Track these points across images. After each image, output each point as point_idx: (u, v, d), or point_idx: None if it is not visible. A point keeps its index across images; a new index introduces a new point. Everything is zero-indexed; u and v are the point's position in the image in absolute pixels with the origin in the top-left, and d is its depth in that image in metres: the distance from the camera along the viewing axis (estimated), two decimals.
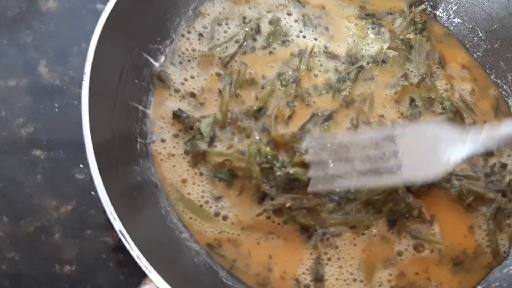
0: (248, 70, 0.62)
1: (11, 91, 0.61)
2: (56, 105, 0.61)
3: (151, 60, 0.59)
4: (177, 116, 0.58)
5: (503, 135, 0.50)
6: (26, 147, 0.58)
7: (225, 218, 0.54)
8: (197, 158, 0.56)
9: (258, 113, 0.59)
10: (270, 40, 0.65)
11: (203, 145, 0.56)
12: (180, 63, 0.61)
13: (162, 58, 0.61)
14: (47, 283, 0.52)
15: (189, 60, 0.62)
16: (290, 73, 0.62)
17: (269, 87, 0.61)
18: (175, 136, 0.57)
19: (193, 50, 0.62)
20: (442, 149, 0.51)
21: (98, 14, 0.66)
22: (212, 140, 0.57)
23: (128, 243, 0.43)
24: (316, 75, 0.63)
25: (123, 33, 0.55)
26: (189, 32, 0.63)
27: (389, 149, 0.53)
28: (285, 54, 0.64)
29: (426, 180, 0.55)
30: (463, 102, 0.66)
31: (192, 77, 0.61)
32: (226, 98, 0.59)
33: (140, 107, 0.57)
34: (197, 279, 0.50)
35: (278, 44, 0.65)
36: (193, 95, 0.60)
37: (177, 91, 0.60)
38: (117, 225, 0.44)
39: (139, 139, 0.55)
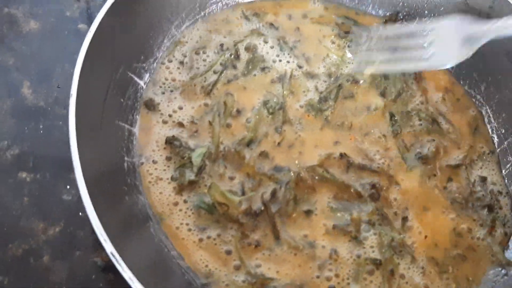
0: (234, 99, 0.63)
1: None
2: (41, 126, 0.61)
3: (136, 78, 0.60)
4: (170, 142, 0.58)
5: None
6: (11, 170, 0.58)
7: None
8: (183, 186, 0.56)
9: (251, 144, 0.60)
10: (250, 67, 0.66)
11: (190, 174, 0.57)
12: (163, 93, 0.62)
13: (147, 76, 0.62)
14: None
15: (171, 91, 0.62)
16: (275, 100, 0.63)
17: (257, 116, 0.62)
18: (168, 159, 0.58)
19: (173, 79, 0.63)
20: (464, 37, 0.58)
21: (80, 34, 0.68)
22: (200, 171, 0.57)
23: (120, 265, 0.43)
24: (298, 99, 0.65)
25: (108, 53, 0.56)
26: (169, 61, 0.64)
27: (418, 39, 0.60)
28: (265, 80, 0.65)
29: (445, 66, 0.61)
30: (438, 112, 0.68)
31: (180, 108, 0.61)
32: (217, 130, 0.60)
33: (127, 126, 0.57)
34: None
35: (258, 71, 0.66)
36: (181, 125, 0.60)
37: (165, 122, 0.60)
38: (108, 247, 0.44)
39: (126, 158, 0.56)
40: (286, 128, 0.62)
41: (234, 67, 0.65)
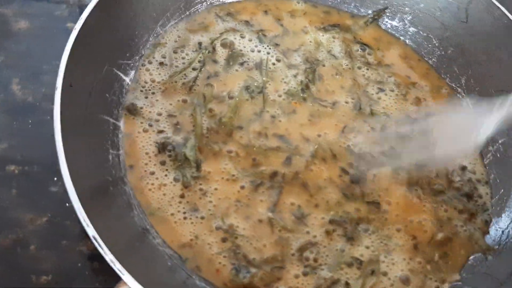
0: (214, 90, 0.65)
1: None
2: (30, 121, 0.62)
3: (121, 75, 0.62)
4: (162, 150, 0.59)
5: None
6: (0, 163, 0.59)
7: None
8: (188, 183, 0.58)
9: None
10: (231, 63, 0.67)
11: (192, 171, 0.58)
12: (146, 97, 0.63)
13: (132, 73, 0.63)
14: None
15: (153, 93, 0.63)
16: (255, 84, 0.65)
17: (237, 98, 0.64)
18: (163, 163, 0.59)
19: (153, 81, 0.64)
20: (471, 128, 0.57)
21: (69, 32, 0.68)
22: (199, 164, 0.59)
23: (102, 248, 0.44)
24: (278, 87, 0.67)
25: (93, 49, 0.57)
26: (150, 63, 0.65)
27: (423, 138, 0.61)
28: (246, 74, 0.67)
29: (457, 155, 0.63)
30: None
31: (159, 114, 0.62)
32: (199, 120, 0.62)
33: (112, 120, 0.59)
34: (171, 281, 0.51)
35: (238, 66, 0.67)
36: (162, 131, 0.61)
37: (145, 131, 0.61)
38: (90, 231, 0.45)
39: (111, 150, 0.57)
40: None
41: (215, 61, 0.67)
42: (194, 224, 0.56)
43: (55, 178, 0.59)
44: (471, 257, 0.60)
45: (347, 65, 0.71)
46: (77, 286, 0.54)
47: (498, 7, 0.67)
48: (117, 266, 0.44)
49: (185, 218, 0.56)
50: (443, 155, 0.60)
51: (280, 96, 0.66)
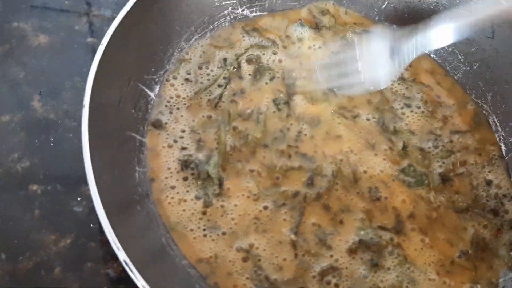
0: (239, 107, 0.63)
1: (5, 126, 0.61)
2: (51, 139, 0.61)
3: (147, 90, 0.60)
4: (185, 167, 0.58)
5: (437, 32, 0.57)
6: (22, 182, 0.58)
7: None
8: (210, 203, 0.57)
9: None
10: (258, 77, 0.66)
11: (214, 189, 0.57)
12: (170, 113, 0.62)
13: (157, 88, 0.62)
14: None
15: (178, 108, 0.62)
16: (282, 95, 0.64)
17: (264, 114, 0.63)
18: (185, 179, 0.58)
19: (178, 96, 0.63)
20: (390, 55, 0.59)
21: (89, 48, 0.69)
22: (221, 182, 0.58)
23: (133, 273, 0.43)
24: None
25: (119, 65, 0.56)
26: (174, 78, 0.64)
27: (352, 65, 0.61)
28: (274, 87, 0.66)
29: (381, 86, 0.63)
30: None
31: (183, 131, 0.61)
32: (223, 138, 0.60)
33: (138, 137, 0.58)
34: None
35: (267, 80, 0.66)
36: (184, 148, 0.60)
37: (170, 146, 0.60)
38: (121, 255, 0.44)
39: (137, 168, 0.56)
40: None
41: (241, 78, 0.66)
42: (215, 241, 0.55)
43: (79, 198, 0.57)
44: (501, 277, 0.58)
45: None
46: None
47: None
48: None
49: (205, 235, 0.55)
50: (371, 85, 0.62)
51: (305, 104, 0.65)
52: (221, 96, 0.64)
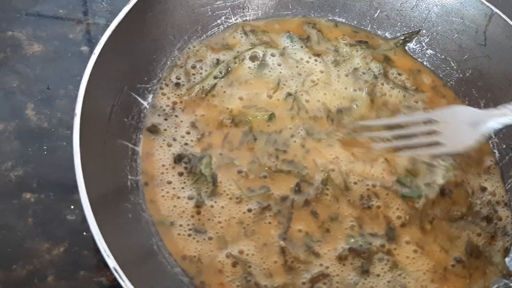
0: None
1: None
2: (45, 147, 0.61)
3: (139, 99, 0.61)
4: (178, 161, 0.59)
5: None
6: (15, 191, 0.58)
7: None
8: (201, 203, 0.57)
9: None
10: (262, 70, 0.68)
11: (207, 187, 0.58)
12: (166, 119, 0.62)
13: (150, 97, 0.62)
14: None
15: (176, 116, 0.63)
16: (294, 87, 0.67)
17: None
18: (180, 174, 0.59)
19: (174, 103, 0.64)
20: (473, 125, 0.60)
21: (83, 56, 0.69)
22: (215, 180, 0.58)
23: (123, 280, 0.43)
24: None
25: (112, 74, 0.57)
26: (166, 85, 0.65)
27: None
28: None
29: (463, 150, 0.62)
30: None
31: (188, 133, 0.62)
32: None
33: (130, 145, 0.58)
34: None
35: (268, 72, 0.68)
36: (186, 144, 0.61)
37: (169, 145, 0.61)
38: (111, 262, 0.44)
39: (129, 176, 0.56)
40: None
41: (241, 71, 0.68)
42: (199, 243, 0.55)
43: (72, 206, 0.58)
44: (494, 284, 0.59)
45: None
46: None
47: None
48: None
49: (189, 235, 0.56)
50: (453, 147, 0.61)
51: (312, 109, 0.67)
52: (215, 85, 0.65)
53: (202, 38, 0.69)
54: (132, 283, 0.43)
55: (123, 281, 0.43)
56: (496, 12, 0.68)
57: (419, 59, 0.75)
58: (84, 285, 0.54)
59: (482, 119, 0.60)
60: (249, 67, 0.68)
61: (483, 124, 0.60)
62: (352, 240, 0.57)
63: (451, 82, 0.73)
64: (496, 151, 0.69)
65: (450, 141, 0.61)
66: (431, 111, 0.69)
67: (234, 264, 0.54)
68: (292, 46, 0.71)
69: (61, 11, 0.73)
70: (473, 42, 0.71)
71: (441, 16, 0.73)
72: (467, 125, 0.60)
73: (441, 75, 0.74)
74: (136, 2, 0.59)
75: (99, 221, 0.45)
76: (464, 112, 0.62)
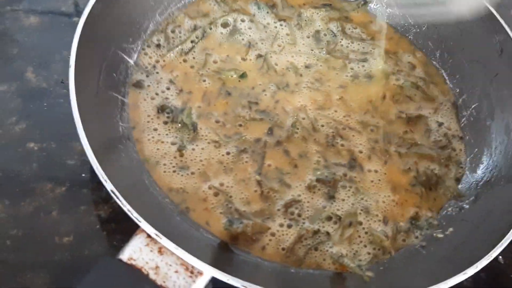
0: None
1: (2, 95, 0.69)
2: (45, 104, 0.69)
3: (126, 57, 0.68)
4: (161, 111, 0.67)
5: None
6: (20, 141, 0.65)
7: None
8: (184, 148, 0.65)
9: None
10: (233, 35, 0.75)
11: (189, 134, 0.65)
12: (147, 76, 0.69)
13: (135, 56, 0.70)
14: (49, 252, 0.59)
15: (157, 72, 0.70)
16: (264, 49, 0.75)
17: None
18: (165, 123, 0.66)
19: (157, 61, 0.71)
20: None
21: (75, 26, 0.75)
22: (195, 128, 0.66)
23: (120, 200, 0.50)
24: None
25: (100, 36, 0.64)
26: (148, 46, 0.72)
27: None
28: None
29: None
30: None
31: (168, 88, 0.69)
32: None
33: (120, 97, 0.65)
34: (179, 229, 0.58)
35: (239, 37, 0.75)
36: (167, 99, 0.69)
37: (152, 98, 0.68)
38: (109, 186, 0.51)
39: (120, 123, 0.64)
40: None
41: (214, 36, 0.75)
42: (185, 177, 0.63)
43: (71, 153, 0.65)
44: (448, 207, 0.67)
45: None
46: (96, 244, 0.60)
47: None
48: (134, 215, 0.50)
49: (174, 171, 0.63)
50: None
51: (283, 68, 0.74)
52: (193, 47, 0.73)
53: (180, 5, 0.76)
54: (129, 203, 0.50)
55: (119, 200, 0.50)
56: None
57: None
58: (84, 218, 0.61)
59: None
60: (221, 33, 0.76)
61: None
62: (319, 172, 0.65)
63: (410, 36, 0.81)
64: (451, 94, 0.77)
65: None
66: None
67: (216, 194, 0.62)
68: (259, 12, 0.79)
69: None
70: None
71: None
72: None
73: (400, 30, 0.82)
74: None
75: (97, 155, 0.52)
76: None
